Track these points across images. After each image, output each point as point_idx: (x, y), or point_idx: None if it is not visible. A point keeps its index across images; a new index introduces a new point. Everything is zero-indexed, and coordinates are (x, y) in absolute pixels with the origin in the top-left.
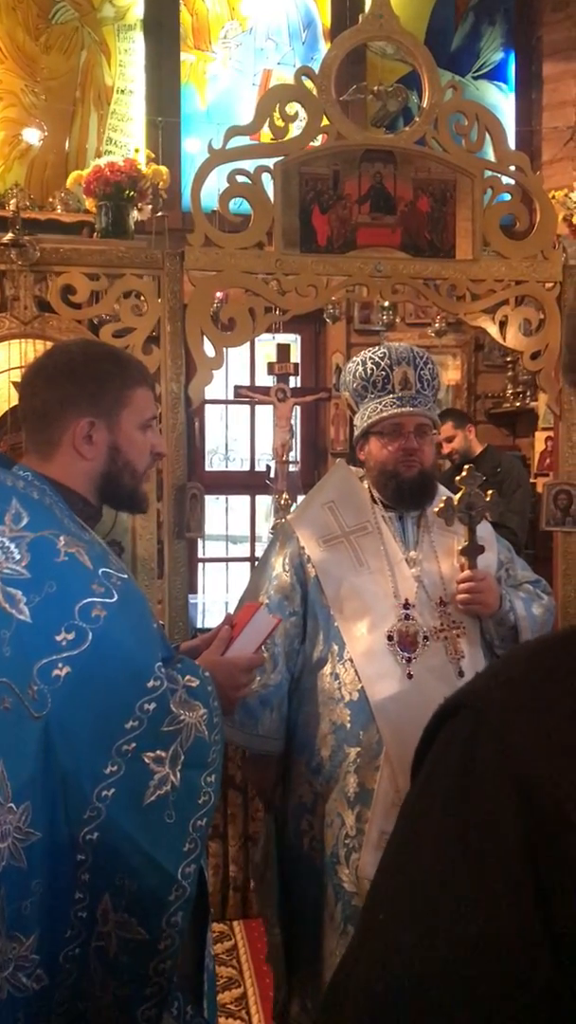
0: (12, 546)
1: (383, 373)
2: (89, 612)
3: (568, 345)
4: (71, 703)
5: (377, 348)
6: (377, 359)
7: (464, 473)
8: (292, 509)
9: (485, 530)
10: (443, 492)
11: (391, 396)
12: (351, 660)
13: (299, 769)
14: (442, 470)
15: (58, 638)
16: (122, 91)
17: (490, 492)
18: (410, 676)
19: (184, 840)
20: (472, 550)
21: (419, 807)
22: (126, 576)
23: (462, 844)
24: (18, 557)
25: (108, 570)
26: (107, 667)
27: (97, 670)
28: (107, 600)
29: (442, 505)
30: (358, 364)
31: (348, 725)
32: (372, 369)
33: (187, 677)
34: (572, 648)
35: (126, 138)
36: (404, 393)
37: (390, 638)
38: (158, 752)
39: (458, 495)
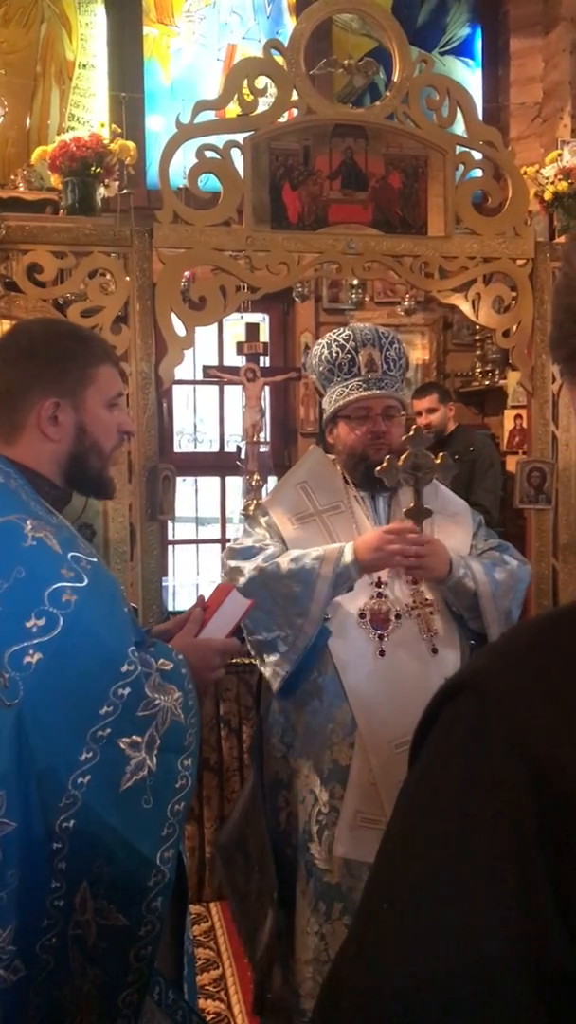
0: None
1: (348, 356)
2: (59, 597)
3: (555, 321)
4: (43, 690)
5: (342, 330)
6: (342, 341)
7: (411, 432)
8: (263, 490)
9: (459, 506)
10: None
11: (357, 379)
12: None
13: (272, 744)
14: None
15: (28, 624)
16: (84, 66)
17: (441, 455)
18: (382, 654)
19: (162, 825)
20: (418, 512)
21: (422, 790)
22: (95, 559)
23: (473, 830)
24: None
25: (77, 554)
26: (79, 652)
27: (69, 656)
28: (77, 584)
29: (384, 465)
30: (323, 347)
31: (320, 703)
32: (337, 352)
33: (161, 660)
34: (574, 623)
35: (89, 114)
36: (370, 376)
37: (362, 615)
38: (134, 737)
39: (402, 455)
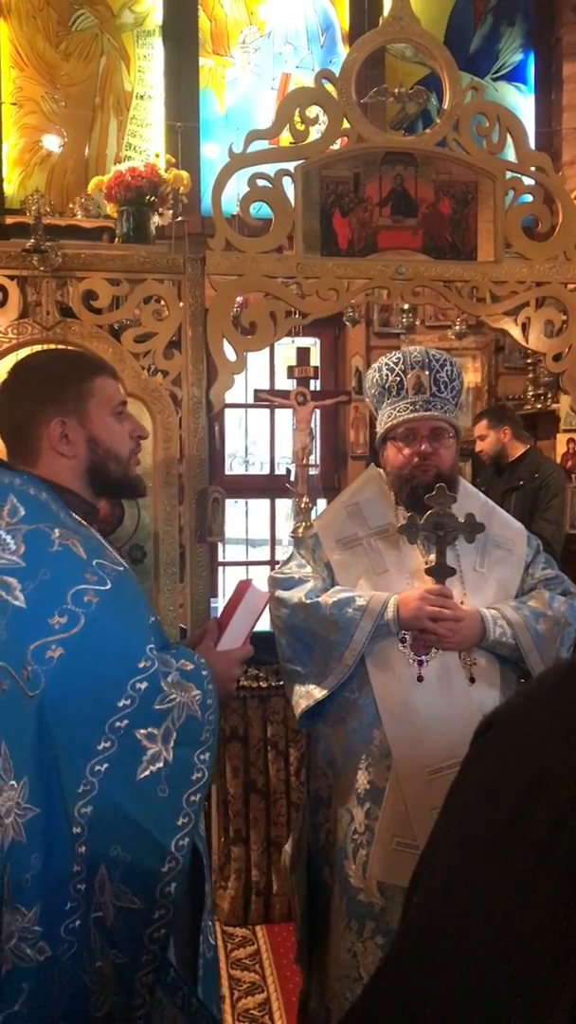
0: (8, 537)
1: (397, 379)
2: (81, 597)
3: None
4: (64, 682)
5: (393, 353)
6: (392, 364)
7: (434, 492)
8: (312, 512)
9: (513, 530)
10: (469, 491)
11: (404, 401)
12: (363, 659)
13: (316, 761)
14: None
15: (51, 621)
16: (141, 97)
17: (468, 514)
18: (420, 679)
19: (178, 814)
20: (440, 571)
21: (453, 825)
22: (122, 568)
23: (501, 868)
24: (14, 547)
25: (103, 561)
26: (99, 648)
27: (89, 651)
28: (100, 588)
29: (404, 522)
30: (375, 371)
31: (359, 723)
32: (387, 375)
33: (182, 661)
34: None
35: (145, 144)
36: (417, 398)
37: (403, 641)
38: (150, 729)
39: (426, 514)
